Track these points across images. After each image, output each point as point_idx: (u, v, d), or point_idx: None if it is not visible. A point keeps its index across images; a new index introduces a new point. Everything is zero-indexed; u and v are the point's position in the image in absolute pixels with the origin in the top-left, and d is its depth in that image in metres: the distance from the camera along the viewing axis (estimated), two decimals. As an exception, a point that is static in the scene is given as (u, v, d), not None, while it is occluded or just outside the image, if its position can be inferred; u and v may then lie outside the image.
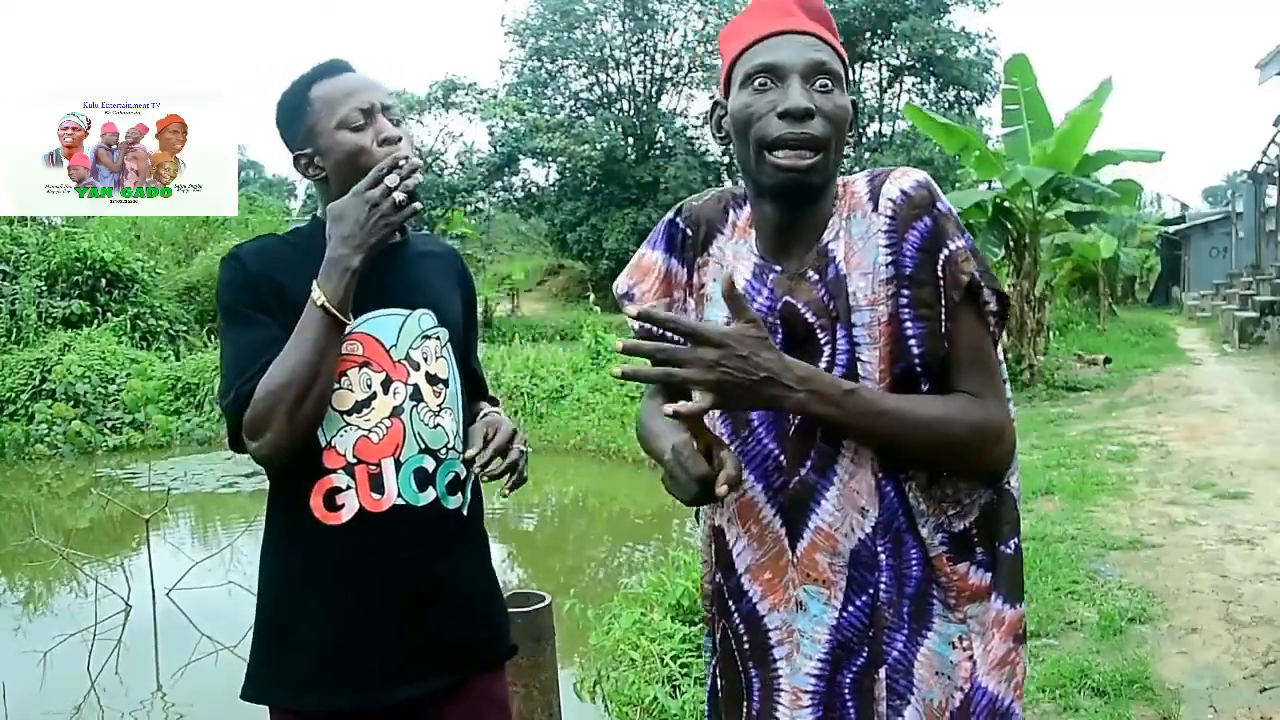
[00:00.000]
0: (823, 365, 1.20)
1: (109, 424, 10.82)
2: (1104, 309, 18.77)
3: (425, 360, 1.57)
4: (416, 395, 1.54)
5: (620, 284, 1.40)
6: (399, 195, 1.44)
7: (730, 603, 1.30)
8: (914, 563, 1.20)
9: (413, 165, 1.46)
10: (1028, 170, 10.11)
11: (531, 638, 2.78)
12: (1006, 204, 11.11)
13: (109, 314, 13.61)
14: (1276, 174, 17.71)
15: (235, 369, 1.46)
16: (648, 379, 1.15)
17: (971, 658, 1.20)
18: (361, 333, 1.52)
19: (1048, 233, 12.20)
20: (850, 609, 1.20)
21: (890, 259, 1.16)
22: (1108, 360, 12.93)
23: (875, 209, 1.18)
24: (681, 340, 1.14)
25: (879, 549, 1.19)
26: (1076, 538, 4.99)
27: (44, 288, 13.42)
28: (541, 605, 2.82)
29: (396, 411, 1.52)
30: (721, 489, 1.13)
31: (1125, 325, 18.17)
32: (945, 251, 1.16)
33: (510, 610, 2.71)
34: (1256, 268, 18.26)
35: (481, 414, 1.66)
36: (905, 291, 1.16)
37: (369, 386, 1.52)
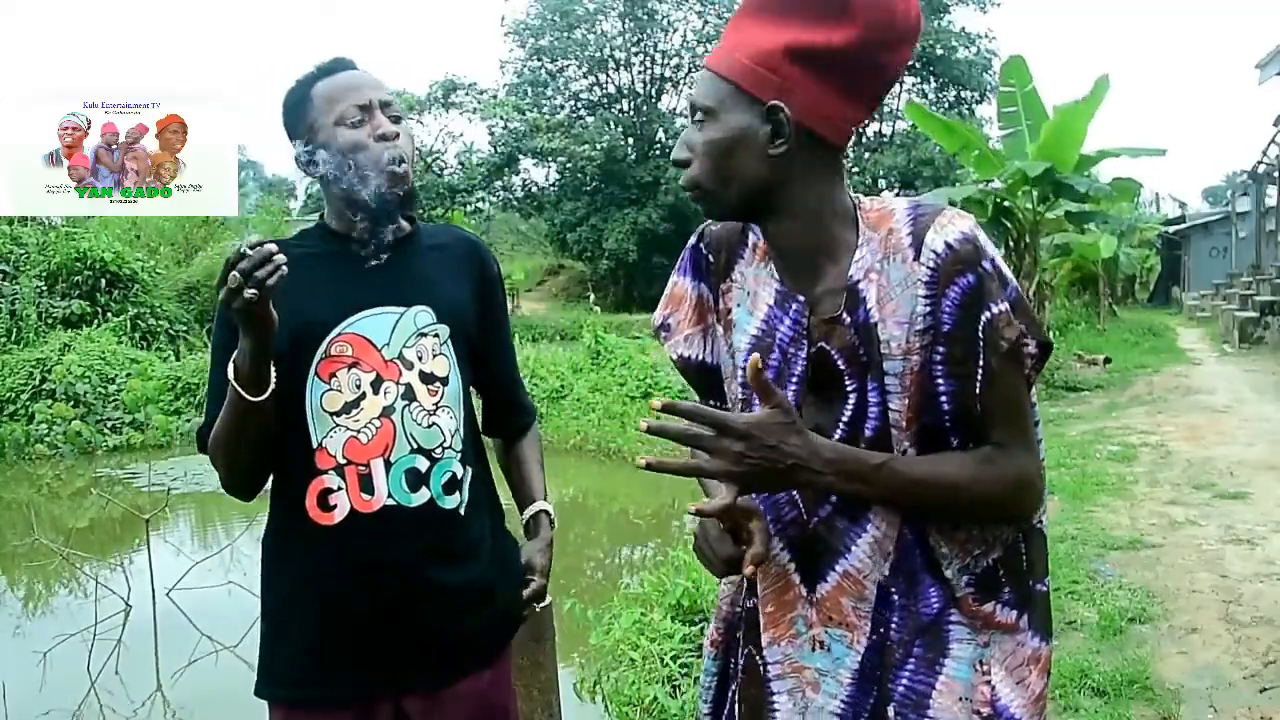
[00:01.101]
0: (848, 413, 1.18)
1: (109, 424, 10.82)
2: (1104, 309, 18.78)
3: (420, 359, 1.55)
4: (409, 394, 1.53)
5: (656, 316, 1.38)
6: (249, 293, 1.31)
7: (755, 628, 1.30)
8: (933, 600, 1.18)
9: (261, 254, 1.31)
10: (1024, 164, 10.12)
11: (531, 638, 2.77)
12: (1006, 204, 11.12)
13: (109, 314, 13.60)
14: (1276, 174, 17.71)
15: (207, 410, 1.56)
16: (675, 471, 1.13)
17: (990, 682, 1.18)
18: (351, 333, 1.52)
19: (1047, 232, 12.22)
20: (870, 647, 1.20)
21: (928, 310, 1.12)
22: (1108, 360, 12.93)
23: (917, 257, 1.12)
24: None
25: (893, 590, 1.18)
26: (1076, 538, 4.99)
27: (44, 288, 13.41)
28: (542, 605, 2.82)
29: (387, 411, 1.52)
30: (749, 570, 1.16)
31: (1125, 325, 18.17)
32: (987, 314, 1.11)
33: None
34: (1257, 268, 18.27)
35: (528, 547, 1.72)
36: (940, 348, 1.12)
37: (358, 387, 1.52)
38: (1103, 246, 17.03)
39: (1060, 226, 12.31)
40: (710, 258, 1.32)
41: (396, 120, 1.56)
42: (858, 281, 1.16)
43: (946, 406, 1.14)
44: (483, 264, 1.68)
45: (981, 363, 1.12)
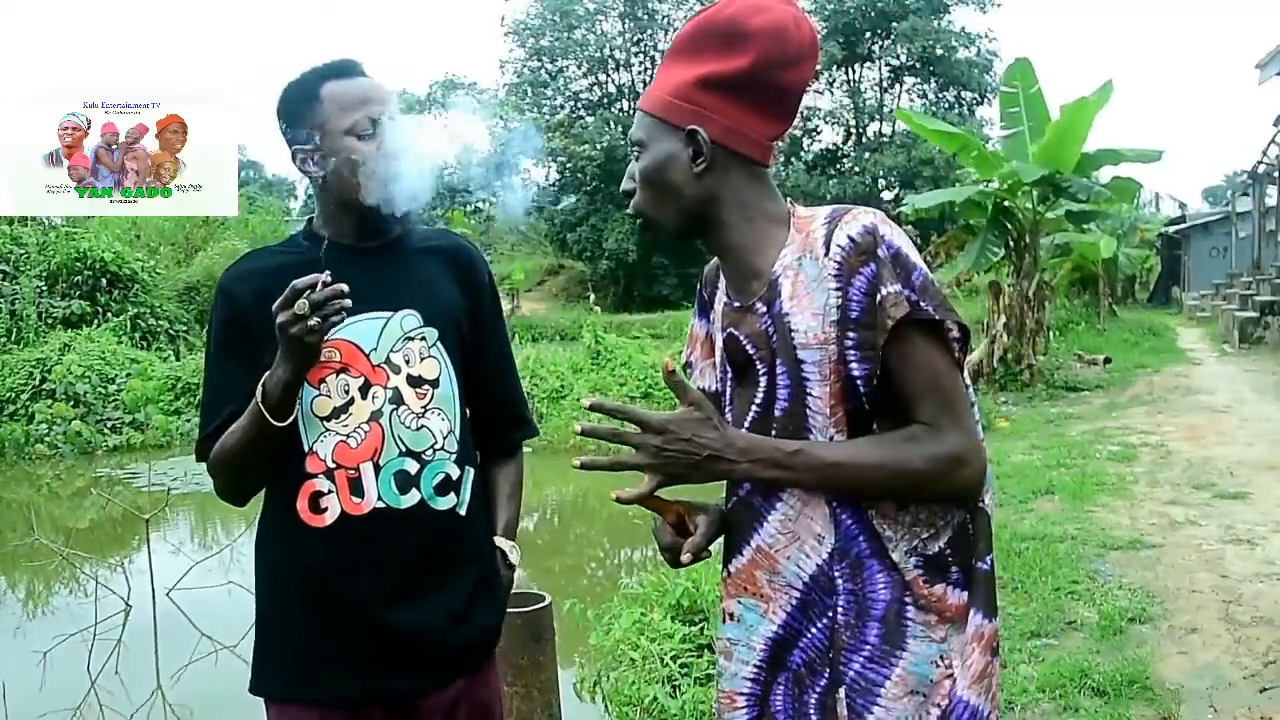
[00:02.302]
0: (760, 396, 1.28)
1: (109, 424, 10.83)
2: (1104, 309, 18.77)
3: (408, 362, 1.56)
4: (397, 398, 1.54)
5: (683, 355, 1.54)
6: (313, 321, 1.36)
7: None
8: (880, 587, 1.23)
9: (333, 290, 1.38)
10: (1022, 167, 10.11)
11: (531, 638, 2.78)
12: (1006, 204, 11.11)
13: (109, 314, 13.62)
14: (1276, 174, 17.71)
15: (203, 415, 1.60)
16: (604, 468, 1.26)
17: (952, 676, 1.23)
18: (340, 338, 1.52)
19: (1047, 232, 12.20)
20: (813, 631, 1.26)
21: (839, 302, 1.21)
22: (1108, 360, 12.93)
23: (827, 253, 1.23)
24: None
25: (835, 574, 1.24)
26: (1076, 538, 4.99)
27: (44, 288, 13.43)
28: (541, 605, 2.83)
29: (375, 416, 1.53)
30: (685, 557, 1.29)
31: (1125, 325, 18.16)
32: (879, 295, 1.20)
33: (510, 610, 2.72)
34: (1257, 268, 18.27)
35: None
36: (851, 334, 1.21)
37: (346, 392, 1.53)
38: (1103, 247, 17.01)
39: (1060, 226, 12.30)
40: (704, 295, 1.45)
41: None
42: (777, 276, 1.27)
43: (863, 389, 1.22)
44: (472, 268, 1.69)
45: (882, 343, 1.21)
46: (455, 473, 1.59)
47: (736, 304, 1.32)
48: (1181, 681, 3.29)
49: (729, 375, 1.34)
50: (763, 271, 1.29)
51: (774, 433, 1.25)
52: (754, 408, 1.28)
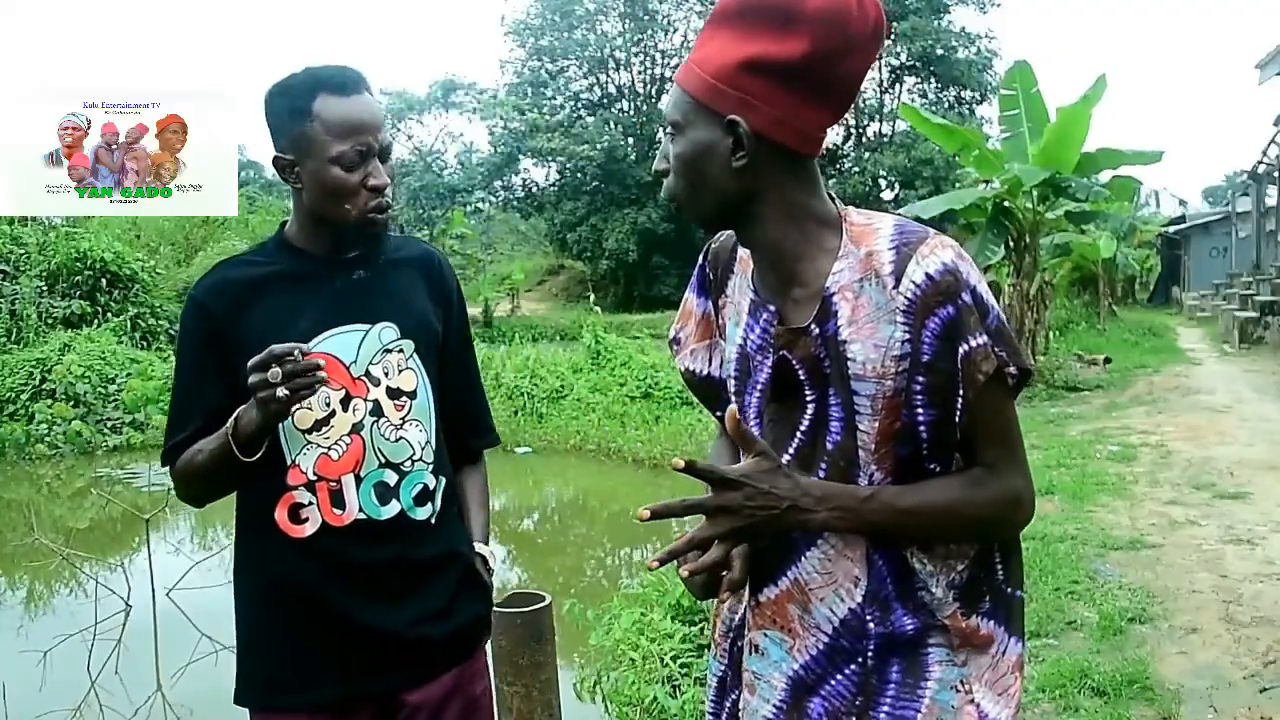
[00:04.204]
0: (805, 424, 1.19)
1: (109, 424, 10.81)
2: (1104, 309, 18.77)
3: (386, 375, 1.57)
4: (377, 411, 1.56)
5: (671, 329, 1.44)
6: (281, 392, 1.37)
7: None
8: (908, 628, 1.18)
9: (308, 365, 1.39)
10: (1023, 169, 10.11)
11: (531, 638, 2.77)
12: (1006, 204, 11.10)
13: (109, 314, 13.62)
14: (1276, 174, 17.71)
15: (170, 424, 1.62)
16: (678, 513, 1.13)
17: (974, 701, 1.18)
18: (320, 352, 1.52)
19: (1047, 232, 12.20)
20: (838, 678, 1.20)
21: (907, 338, 1.12)
22: (1108, 360, 12.94)
23: (897, 285, 1.12)
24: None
25: (868, 618, 1.18)
26: (1076, 538, 4.99)
27: (44, 288, 13.42)
28: (541, 605, 2.82)
29: (356, 428, 1.54)
30: (724, 594, 1.21)
31: (1125, 325, 18.17)
32: (965, 347, 1.12)
33: (510, 610, 2.72)
34: (1257, 267, 18.27)
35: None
36: (920, 377, 1.13)
37: (327, 405, 1.54)
38: (1102, 247, 17.01)
39: (1060, 226, 12.30)
40: (710, 275, 1.36)
41: (385, 160, 1.55)
42: (832, 294, 1.16)
43: (925, 435, 1.15)
44: (442, 278, 1.70)
45: (960, 393, 1.13)
46: (432, 483, 1.61)
47: (772, 307, 1.22)
48: (1181, 681, 3.29)
49: (759, 387, 1.23)
50: (810, 282, 1.18)
51: (824, 465, 1.17)
52: (798, 436, 1.20)
